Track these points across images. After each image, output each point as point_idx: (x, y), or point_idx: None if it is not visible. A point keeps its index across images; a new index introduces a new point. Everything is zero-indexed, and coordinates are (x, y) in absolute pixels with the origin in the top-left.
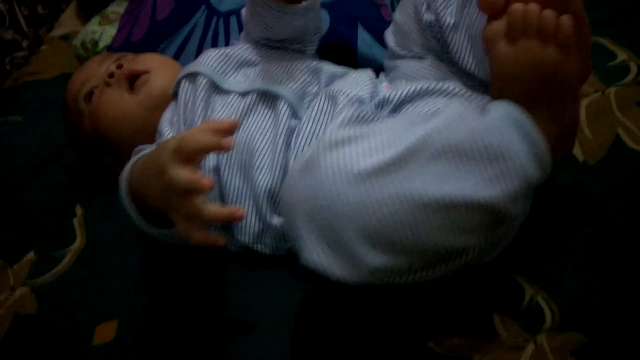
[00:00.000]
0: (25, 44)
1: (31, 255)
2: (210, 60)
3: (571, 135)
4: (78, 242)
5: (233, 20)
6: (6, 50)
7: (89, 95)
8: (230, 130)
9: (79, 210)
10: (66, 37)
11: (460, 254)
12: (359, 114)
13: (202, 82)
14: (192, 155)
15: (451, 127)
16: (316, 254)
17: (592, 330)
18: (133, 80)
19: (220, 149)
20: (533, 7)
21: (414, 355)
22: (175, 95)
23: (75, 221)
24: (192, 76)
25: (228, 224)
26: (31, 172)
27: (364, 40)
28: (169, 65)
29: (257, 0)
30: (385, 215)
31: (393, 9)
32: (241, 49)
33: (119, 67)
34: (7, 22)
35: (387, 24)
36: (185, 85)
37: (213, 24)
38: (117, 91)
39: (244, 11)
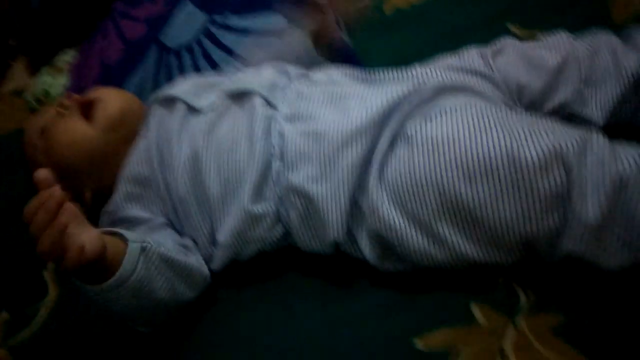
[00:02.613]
0: None
1: (4, 315)
2: (184, 85)
3: None
4: (52, 294)
5: (185, 55)
6: None
7: (43, 129)
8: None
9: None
10: (18, 93)
11: None
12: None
13: (178, 106)
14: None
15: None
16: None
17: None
18: (87, 109)
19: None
20: None
21: (398, 352)
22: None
23: (46, 273)
24: (166, 101)
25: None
26: None
27: None
28: (117, 91)
29: None
30: None
31: None
32: (212, 75)
33: (69, 97)
34: None
35: None
36: (157, 110)
37: (164, 60)
38: (71, 119)
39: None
